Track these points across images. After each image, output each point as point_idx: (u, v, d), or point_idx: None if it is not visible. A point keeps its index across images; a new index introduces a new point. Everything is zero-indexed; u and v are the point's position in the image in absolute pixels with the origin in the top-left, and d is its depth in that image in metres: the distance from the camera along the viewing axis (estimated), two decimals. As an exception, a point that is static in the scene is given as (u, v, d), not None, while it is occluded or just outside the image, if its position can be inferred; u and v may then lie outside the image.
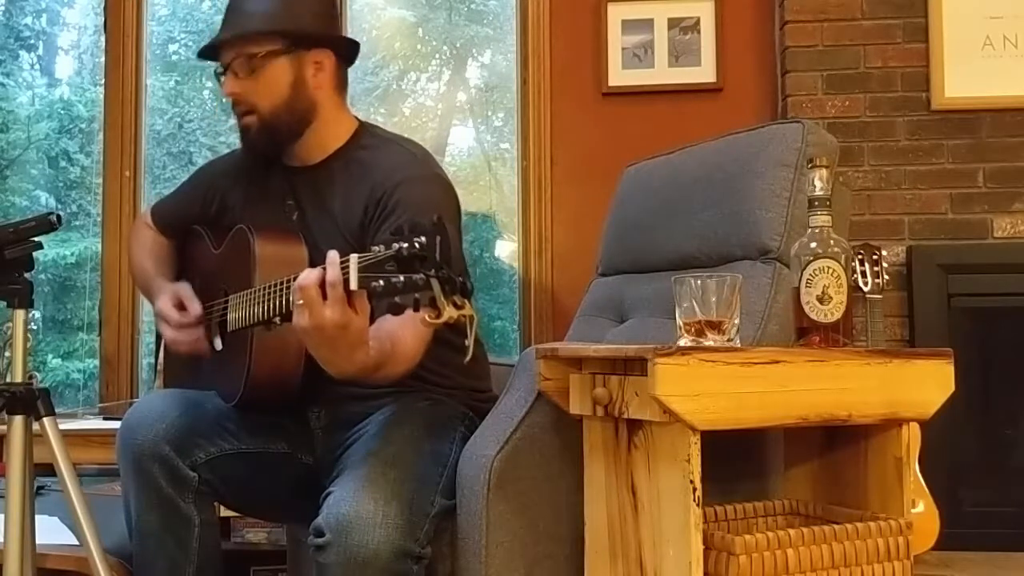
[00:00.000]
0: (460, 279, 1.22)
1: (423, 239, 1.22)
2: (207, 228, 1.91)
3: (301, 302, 1.33)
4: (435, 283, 1.21)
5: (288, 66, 1.72)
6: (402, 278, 1.22)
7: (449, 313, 1.22)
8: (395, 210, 1.64)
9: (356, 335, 1.35)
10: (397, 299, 1.24)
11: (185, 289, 1.80)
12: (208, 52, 1.77)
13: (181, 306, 1.77)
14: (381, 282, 1.24)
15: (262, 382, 1.63)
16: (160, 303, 1.79)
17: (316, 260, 1.66)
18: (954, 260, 2.74)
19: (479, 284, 3.28)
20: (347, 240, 1.69)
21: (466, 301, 1.23)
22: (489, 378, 1.85)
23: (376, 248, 1.25)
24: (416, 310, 1.23)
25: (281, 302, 1.47)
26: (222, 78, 1.75)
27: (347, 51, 1.82)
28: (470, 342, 1.28)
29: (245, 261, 1.65)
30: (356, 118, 1.85)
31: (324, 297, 1.31)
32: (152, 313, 3.14)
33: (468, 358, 1.30)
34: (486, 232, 3.39)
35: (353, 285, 1.27)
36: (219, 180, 1.91)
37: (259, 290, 1.54)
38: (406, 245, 1.22)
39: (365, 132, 1.82)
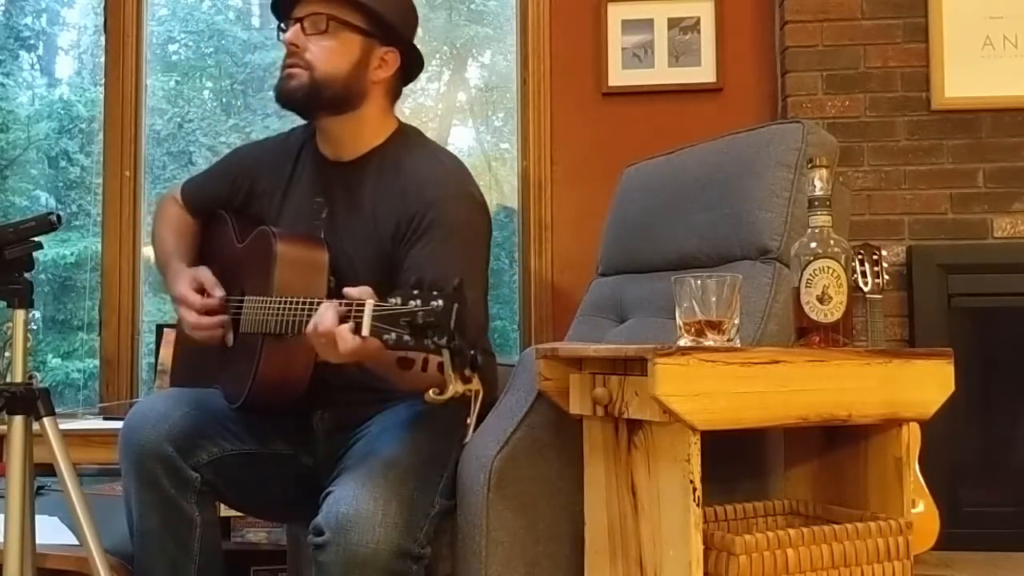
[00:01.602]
0: (472, 352, 1.22)
1: (440, 303, 1.22)
2: (233, 215, 1.88)
3: (323, 341, 1.36)
4: (446, 354, 1.22)
5: (359, 46, 1.70)
6: (413, 340, 1.23)
7: (455, 388, 1.23)
8: (428, 231, 1.63)
9: (375, 351, 1.35)
10: (407, 354, 1.24)
11: (206, 274, 1.75)
12: (280, 5, 1.74)
13: (202, 291, 1.73)
14: (393, 335, 1.25)
15: (267, 387, 1.63)
16: (180, 288, 1.74)
17: (342, 262, 1.67)
18: (954, 260, 2.74)
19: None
20: (375, 246, 1.69)
21: (474, 376, 1.23)
22: (496, 386, 1.78)
23: (393, 300, 1.26)
24: (424, 370, 1.25)
25: (293, 321, 1.48)
26: (282, 35, 1.72)
27: (412, 63, 1.80)
28: (472, 419, 1.28)
29: (265, 264, 1.64)
30: (397, 120, 1.82)
31: (336, 343, 1.34)
32: (152, 312, 3.17)
33: (468, 439, 1.31)
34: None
35: (364, 331, 1.29)
36: (251, 167, 1.89)
37: (274, 302, 1.54)
38: (422, 310, 1.22)
39: (403, 135, 1.79)
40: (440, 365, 1.23)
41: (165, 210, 1.97)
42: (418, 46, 1.80)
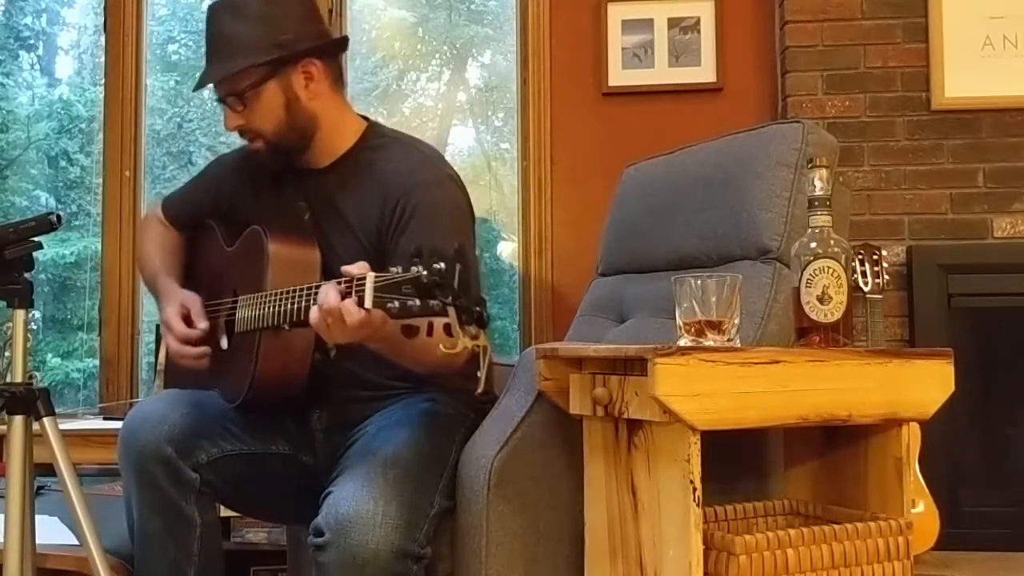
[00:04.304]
0: (477, 309, 1.22)
1: (442, 265, 1.22)
2: (219, 223, 1.89)
3: (329, 321, 1.35)
4: (452, 311, 1.22)
5: (277, 89, 1.70)
6: (418, 302, 1.23)
7: (464, 343, 1.22)
8: (413, 216, 1.64)
9: (379, 323, 1.35)
10: (411, 321, 1.24)
11: (195, 303, 1.76)
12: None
13: (189, 319, 1.74)
14: (396, 303, 1.24)
15: (266, 385, 1.63)
16: (167, 313, 1.76)
17: (330, 262, 1.67)
18: (954, 260, 2.74)
19: (479, 284, 3.27)
20: (362, 243, 1.70)
21: (481, 332, 1.23)
22: (492, 381, 1.83)
23: (394, 269, 1.26)
24: (429, 335, 1.25)
25: (292, 309, 1.48)
26: (224, 108, 1.74)
27: (334, 48, 1.79)
28: (482, 374, 1.28)
29: (257, 262, 1.64)
30: (364, 117, 1.83)
31: (343, 319, 1.34)
32: (151, 312, 3.17)
33: (480, 389, 1.31)
34: (486, 232, 3.39)
35: (367, 304, 1.28)
36: (230, 175, 1.90)
37: (270, 295, 1.55)
38: (425, 271, 1.22)
39: (374, 133, 1.80)
40: (446, 327, 1.23)
41: (148, 229, 1.99)
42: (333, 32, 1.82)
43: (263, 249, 1.64)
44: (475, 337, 1.23)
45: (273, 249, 1.64)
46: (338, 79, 1.78)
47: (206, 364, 1.74)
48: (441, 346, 1.23)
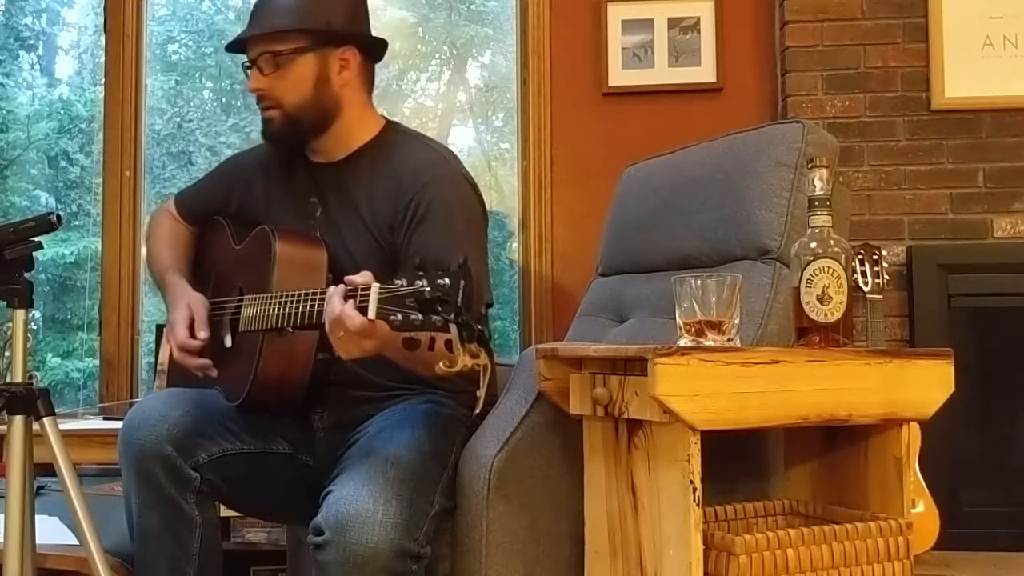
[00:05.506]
0: (479, 328, 1.23)
1: (446, 281, 1.23)
2: (229, 220, 1.90)
3: (340, 334, 1.36)
4: (453, 328, 1.23)
5: (313, 63, 1.72)
6: (421, 316, 1.24)
7: (463, 361, 1.23)
8: (426, 215, 1.65)
9: (384, 334, 1.35)
10: (412, 335, 1.25)
11: (200, 310, 1.76)
12: (235, 47, 1.77)
13: (192, 326, 1.74)
14: (399, 316, 1.25)
15: (268, 385, 1.64)
16: (175, 317, 1.75)
17: (342, 256, 1.69)
18: (954, 260, 2.74)
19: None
20: (374, 237, 1.71)
21: (481, 350, 1.24)
22: (496, 384, 1.82)
23: (399, 281, 1.27)
24: (431, 349, 1.26)
25: (297, 312, 1.48)
26: (249, 71, 1.76)
27: (374, 48, 1.81)
28: (481, 393, 1.29)
29: (264, 262, 1.65)
30: (383, 117, 1.85)
31: (346, 326, 1.34)
32: (152, 312, 3.17)
33: (478, 410, 1.31)
34: (497, 230, 3.38)
35: (371, 315, 1.29)
36: (243, 173, 1.91)
37: (276, 296, 1.55)
38: (429, 287, 1.23)
39: (390, 129, 1.82)
40: (447, 343, 1.24)
41: (159, 224, 2.00)
42: (380, 34, 1.82)
43: (271, 249, 1.65)
44: (476, 355, 1.23)
45: (280, 249, 1.65)
46: (369, 80, 1.81)
47: (210, 375, 1.73)
48: (441, 364, 1.24)
